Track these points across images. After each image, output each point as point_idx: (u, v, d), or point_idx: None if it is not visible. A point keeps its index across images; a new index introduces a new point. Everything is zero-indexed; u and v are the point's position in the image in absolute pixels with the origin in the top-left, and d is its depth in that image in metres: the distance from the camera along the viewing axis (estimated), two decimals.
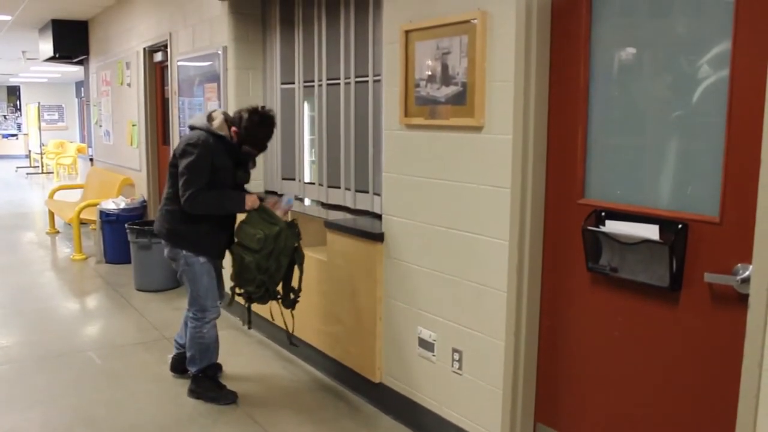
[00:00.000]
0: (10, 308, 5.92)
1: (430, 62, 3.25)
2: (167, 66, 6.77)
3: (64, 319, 5.72)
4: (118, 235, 7.02)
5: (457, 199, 3.17)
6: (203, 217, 3.74)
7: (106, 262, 7.48)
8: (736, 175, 2.21)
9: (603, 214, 2.63)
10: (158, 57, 7.22)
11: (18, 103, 25.15)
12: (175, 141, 6.53)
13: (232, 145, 3.76)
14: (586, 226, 2.66)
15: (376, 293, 3.73)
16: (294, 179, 5.06)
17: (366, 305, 3.82)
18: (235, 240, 3.80)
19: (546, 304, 2.95)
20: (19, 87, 24.69)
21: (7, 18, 9.58)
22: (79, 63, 10.55)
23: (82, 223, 7.85)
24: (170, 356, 4.35)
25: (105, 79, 9.09)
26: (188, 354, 3.94)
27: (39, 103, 21.91)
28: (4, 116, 25.38)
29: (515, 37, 2.80)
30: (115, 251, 7.35)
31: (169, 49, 6.60)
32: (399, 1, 3.45)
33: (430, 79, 3.26)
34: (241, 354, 4.70)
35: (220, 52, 5.40)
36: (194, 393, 3.97)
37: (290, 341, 4.07)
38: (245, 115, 3.73)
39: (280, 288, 3.88)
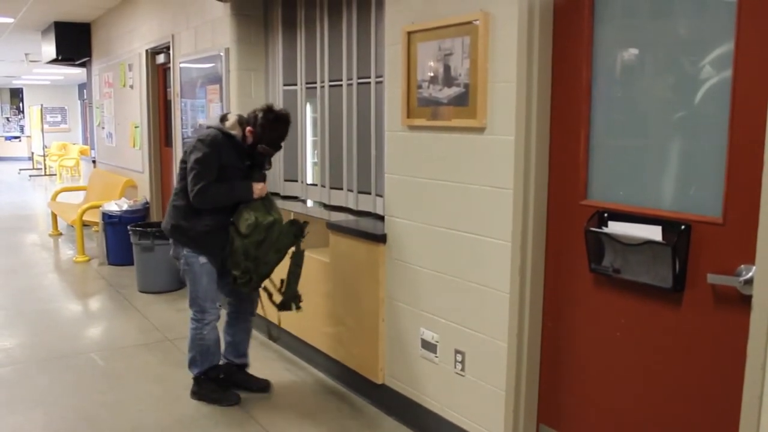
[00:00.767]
0: (13, 310, 5.92)
1: (432, 63, 3.25)
2: (170, 68, 6.78)
3: (67, 320, 5.72)
4: (121, 236, 7.03)
5: (460, 200, 3.17)
6: (207, 215, 3.73)
7: (109, 263, 7.49)
8: (738, 175, 2.21)
9: (605, 215, 2.62)
10: (161, 59, 7.23)
11: (21, 105, 25.19)
12: (178, 143, 6.54)
13: (242, 146, 3.76)
14: (589, 227, 2.66)
15: (379, 294, 3.73)
16: (296, 181, 5.06)
17: (368, 306, 3.82)
18: (239, 230, 3.73)
19: (548, 305, 2.95)
20: (21, 89, 24.73)
21: (10, 20, 9.60)
22: (82, 65, 10.57)
23: (85, 224, 7.86)
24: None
25: (107, 81, 9.11)
26: (189, 355, 3.94)
27: (42, 105, 21.95)
28: (7, 118, 25.43)
29: (517, 38, 2.80)
30: (118, 253, 7.36)
31: (171, 51, 6.61)
32: (401, 3, 3.45)
33: (433, 80, 3.26)
34: None
35: (222, 53, 5.40)
36: (196, 395, 3.97)
37: (270, 335, 4.04)
38: (260, 114, 3.73)
39: (269, 284, 3.87)
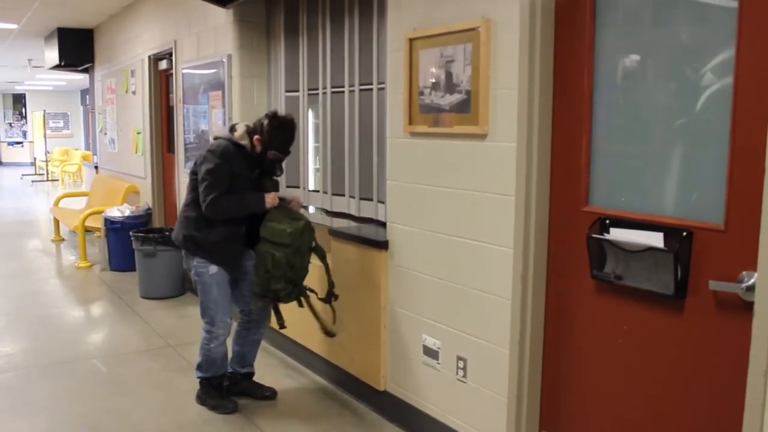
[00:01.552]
0: (15, 315, 5.93)
1: (434, 70, 3.26)
2: (172, 74, 6.79)
3: (69, 326, 5.72)
4: (123, 242, 7.04)
5: (462, 206, 3.17)
6: (220, 225, 3.73)
7: (111, 269, 7.50)
8: (740, 182, 2.21)
9: (607, 221, 2.62)
10: (163, 65, 7.25)
11: (23, 110, 25.24)
12: (180, 149, 6.55)
13: (252, 155, 3.77)
14: (591, 234, 2.66)
15: (381, 301, 3.73)
16: (298, 187, 5.07)
17: (370, 313, 3.82)
18: (262, 238, 3.72)
19: (550, 311, 2.95)
20: (24, 95, 24.79)
21: (14, 26, 9.63)
22: (85, 71, 10.59)
23: (87, 230, 7.87)
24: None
25: (110, 86, 9.13)
26: (198, 359, 3.94)
27: (44, 110, 22.01)
28: (10, 124, 25.48)
29: (519, 45, 2.80)
30: (120, 259, 7.37)
31: (173, 57, 6.62)
32: (403, 10, 3.46)
33: (434, 86, 3.26)
34: None
35: (224, 60, 5.42)
36: (199, 398, 3.98)
37: (280, 325, 3.97)
38: (265, 122, 3.74)
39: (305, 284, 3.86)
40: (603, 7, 2.64)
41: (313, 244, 3.83)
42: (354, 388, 4.07)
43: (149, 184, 7.64)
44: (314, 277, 3.97)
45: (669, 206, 2.49)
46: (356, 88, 4.29)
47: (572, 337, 2.86)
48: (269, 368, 4.57)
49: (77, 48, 9.84)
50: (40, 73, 15.51)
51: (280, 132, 3.75)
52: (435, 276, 3.37)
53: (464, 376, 3.24)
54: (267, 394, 4.09)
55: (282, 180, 5.15)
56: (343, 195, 4.49)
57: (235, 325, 4.05)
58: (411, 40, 3.38)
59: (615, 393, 2.69)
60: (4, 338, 5.28)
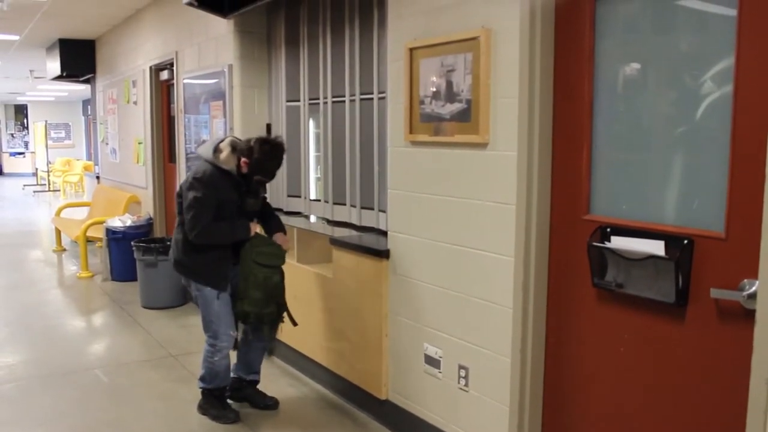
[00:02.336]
0: (17, 326, 5.93)
1: (434, 79, 3.27)
2: (173, 84, 6.82)
3: (71, 336, 5.72)
4: (125, 252, 7.05)
5: (463, 215, 3.18)
6: (207, 248, 3.78)
7: (113, 279, 7.50)
8: (741, 190, 2.21)
9: (608, 229, 2.63)
10: (164, 75, 7.27)
11: (25, 121, 25.30)
12: (182, 159, 6.56)
13: (238, 179, 3.78)
14: (592, 242, 2.66)
15: (382, 310, 3.73)
16: (299, 196, 5.07)
17: (372, 322, 3.82)
18: (256, 264, 3.82)
19: (552, 320, 2.95)
20: (26, 105, 24.85)
21: (15, 38, 9.67)
22: (86, 81, 10.63)
23: (89, 240, 7.88)
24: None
25: (111, 97, 9.15)
26: (201, 371, 3.93)
27: (46, 121, 22.05)
28: (12, 134, 25.53)
29: (519, 54, 2.81)
30: (122, 269, 7.37)
31: (175, 68, 6.65)
32: (404, 19, 3.48)
33: (435, 96, 3.27)
34: None
35: (225, 70, 5.43)
36: (201, 408, 3.97)
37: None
38: (256, 146, 3.73)
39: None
40: (603, 15, 2.65)
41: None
42: (356, 397, 4.07)
43: (151, 194, 7.65)
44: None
45: (670, 214, 2.49)
46: (357, 97, 4.30)
47: (574, 346, 2.85)
48: (271, 377, 4.56)
49: (79, 59, 9.88)
50: (42, 83, 15.56)
51: (270, 157, 3.77)
52: (436, 285, 3.37)
53: (466, 384, 3.23)
54: (269, 404, 4.09)
55: (283, 189, 5.17)
56: (344, 204, 4.49)
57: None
58: (411, 50, 3.39)
59: (617, 401, 2.69)
60: (5, 349, 5.28)
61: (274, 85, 5.31)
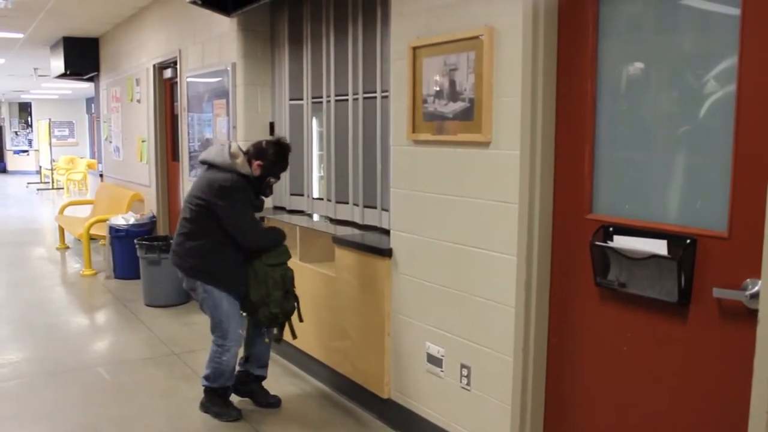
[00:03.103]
0: (20, 323, 5.94)
1: (437, 78, 3.27)
2: (177, 82, 6.82)
3: (74, 334, 5.73)
4: (128, 250, 7.05)
5: (465, 214, 3.17)
6: (231, 253, 3.81)
7: (116, 277, 7.51)
8: (744, 189, 2.21)
9: (611, 229, 2.62)
10: (168, 73, 7.28)
11: (29, 119, 25.34)
12: (185, 157, 6.56)
13: (253, 181, 3.85)
14: (594, 242, 2.66)
15: (384, 308, 3.73)
16: (302, 195, 5.08)
17: (374, 321, 3.82)
18: (269, 267, 3.84)
19: (554, 319, 2.95)
20: (30, 103, 24.89)
21: (20, 36, 9.69)
22: (90, 80, 10.65)
23: (92, 238, 7.89)
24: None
25: (115, 95, 9.17)
26: (205, 370, 3.94)
27: (50, 119, 22.07)
28: (16, 132, 25.58)
29: (522, 53, 2.81)
30: (125, 266, 7.38)
31: (178, 66, 6.65)
32: (406, 18, 3.48)
33: (438, 95, 3.27)
34: None
35: (229, 68, 5.44)
36: (203, 406, 3.97)
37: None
38: (270, 150, 3.85)
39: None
40: (606, 15, 2.65)
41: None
42: (358, 395, 4.07)
43: (154, 192, 7.66)
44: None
45: (672, 214, 2.49)
46: (360, 96, 4.30)
47: (576, 345, 2.85)
48: (273, 376, 4.55)
49: (82, 57, 9.90)
50: (46, 81, 15.58)
51: (282, 158, 3.91)
52: (438, 284, 3.37)
53: (468, 383, 3.23)
54: (272, 402, 4.09)
55: (286, 188, 5.17)
56: (347, 203, 4.49)
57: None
58: (414, 49, 3.39)
59: (619, 400, 2.69)
60: (8, 346, 5.29)
61: (277, 84, 5.31)
